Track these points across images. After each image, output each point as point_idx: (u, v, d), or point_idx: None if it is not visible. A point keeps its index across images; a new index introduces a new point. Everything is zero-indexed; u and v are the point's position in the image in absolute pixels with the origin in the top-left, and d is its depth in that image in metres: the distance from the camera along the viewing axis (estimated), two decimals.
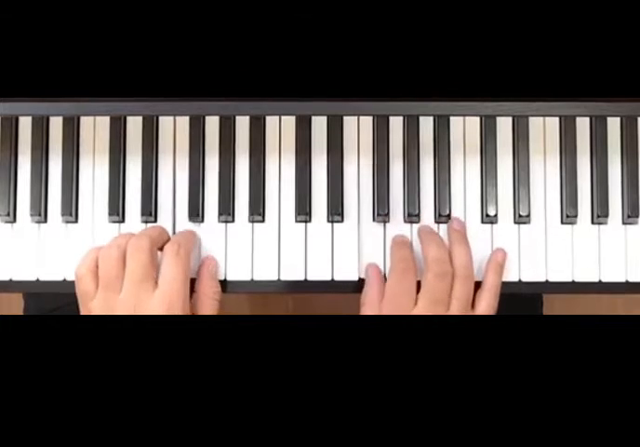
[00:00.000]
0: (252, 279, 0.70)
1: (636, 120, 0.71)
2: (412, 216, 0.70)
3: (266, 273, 0.70)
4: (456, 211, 0.71)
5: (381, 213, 0.70)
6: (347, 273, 0.70)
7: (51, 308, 0.86)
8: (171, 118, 0.71)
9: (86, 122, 0.71)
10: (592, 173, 0.71)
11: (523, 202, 0.70)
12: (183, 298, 0.65)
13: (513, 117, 0.71)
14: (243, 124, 0.71)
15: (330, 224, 0.70)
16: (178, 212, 0.71)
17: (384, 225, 0.71)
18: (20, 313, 0.90)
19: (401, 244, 0.69)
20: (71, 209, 0.70)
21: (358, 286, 0.70)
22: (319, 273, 0.70)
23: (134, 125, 0.71)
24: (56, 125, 0.71)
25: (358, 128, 0.71)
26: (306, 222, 0.70)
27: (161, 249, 0.67)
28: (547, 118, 0.71)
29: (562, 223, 0.70)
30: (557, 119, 0.71)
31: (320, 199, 0.70)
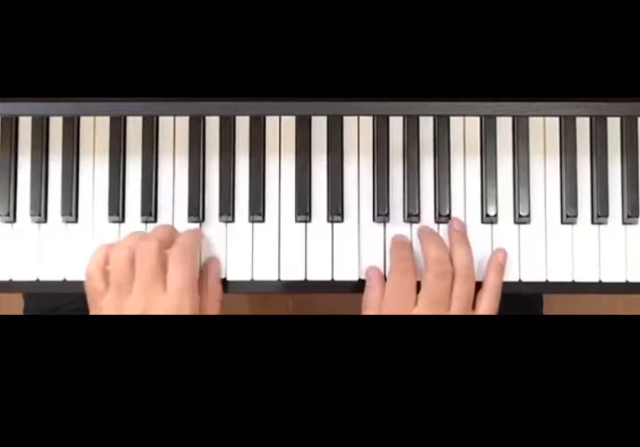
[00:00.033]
0: (252, 279, 0.70)
1: (636, 120, 0.71)
2: (412, 216, 0.70)
3: (266, 273, 0.70)
4: (456, 211, 0.71)
5: (381, 213, 0.70)
6: (347, 273, 0.70)
7: (51, 308, 0.86)
8: (171, 118, 0.71)
9: (86, 122, 0.71)
10: (592, 173, 0.71)
11: (523, 202, 0.70)
12: (191, 303, 0.65)
13: (513, 117, 0.71)
14: (243, 124, 0.71)
15: (330, 224, 0.70)
16: (178, 212, 0.71)
17: (384, 225, 0.71)
18: (20, 313, 0.90)
19: (401, 244, 0.69)
20: (71, 209, 0.70)
21: (358, 286, 0.70)
22: (319, 273, 0.70)
23: (134, 125, 0.71)
24: (56, 125, 0.71)
25: (358, 128, 0.71)
26: (306, 222, 0.70)
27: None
28: (547, 118, 0.71)
29: (562, 223, 0.70)
30: (557, 119, 0.71)
31: (320, 199, 0.70)
